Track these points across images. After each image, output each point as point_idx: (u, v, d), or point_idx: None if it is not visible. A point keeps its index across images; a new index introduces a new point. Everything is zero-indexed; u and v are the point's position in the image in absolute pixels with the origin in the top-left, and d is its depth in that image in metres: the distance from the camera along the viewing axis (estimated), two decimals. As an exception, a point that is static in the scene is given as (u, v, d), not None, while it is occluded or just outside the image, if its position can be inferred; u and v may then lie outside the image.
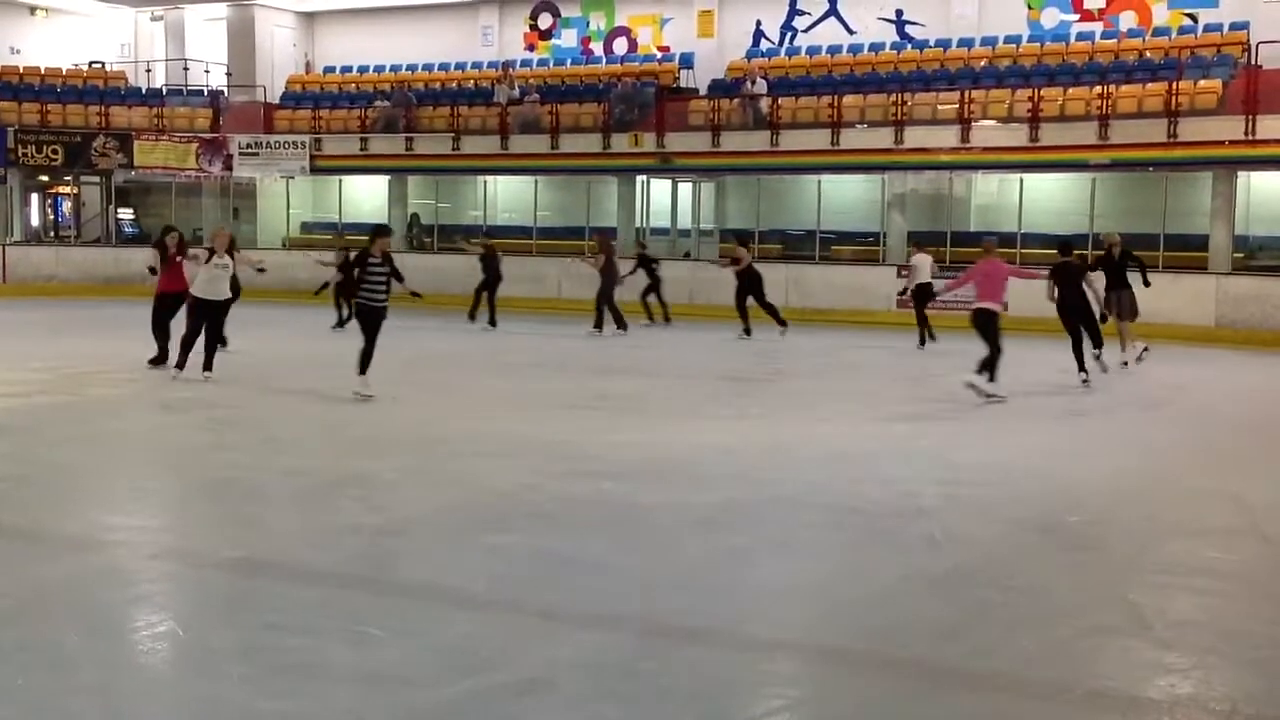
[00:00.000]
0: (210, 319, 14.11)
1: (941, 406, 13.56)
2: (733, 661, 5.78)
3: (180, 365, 13.98)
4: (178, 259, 14.82)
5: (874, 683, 5.54)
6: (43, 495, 9.02)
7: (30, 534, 7.88)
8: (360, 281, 12.97)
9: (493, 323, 21.32)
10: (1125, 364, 16.14)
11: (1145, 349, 16.41)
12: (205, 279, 14.07)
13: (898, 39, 28.30)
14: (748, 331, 20.13)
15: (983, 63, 26.20)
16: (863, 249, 26.19)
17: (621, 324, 20.65)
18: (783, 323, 20.24)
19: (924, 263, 19.35)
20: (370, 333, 12.96)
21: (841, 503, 8.80)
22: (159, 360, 14.60)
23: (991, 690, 5.47)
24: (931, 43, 27.58)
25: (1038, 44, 26.47)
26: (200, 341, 14.04)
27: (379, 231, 13.35)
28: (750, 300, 20.40)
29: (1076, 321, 14.95)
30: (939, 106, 24.60)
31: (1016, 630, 6.20)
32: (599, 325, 20.55)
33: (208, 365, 14.03)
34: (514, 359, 17.66)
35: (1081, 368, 14.76)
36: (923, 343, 19.02)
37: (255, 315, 21.10)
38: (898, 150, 24.42)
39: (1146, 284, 16.74)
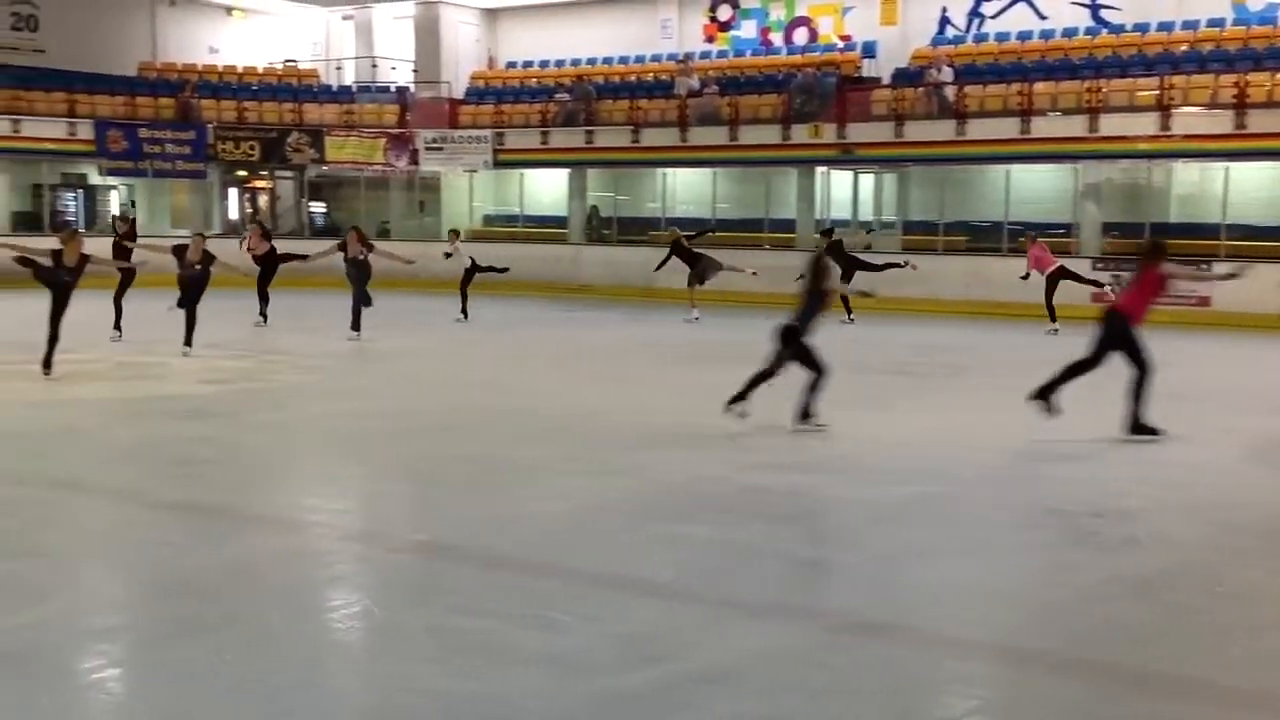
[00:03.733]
0: None
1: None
2: (922, 659, 5.62)
3: None
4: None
5: (1072, 686, 5.31)
6: (240, 476, 9.37)
7: (230, 513, 8.15)
8: None
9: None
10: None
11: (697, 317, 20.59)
12: None
13: (1092, 24, 27.33)
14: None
15: (1183, 47, 25.13)
16: (1053, 241, 25.36)
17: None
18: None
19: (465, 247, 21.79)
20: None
21: (1036, 501, 8.50)
22: None
23: (1195, 698, 5.21)
24: (1128, 27, 26.56)
25: (1243, 27, 25.26)
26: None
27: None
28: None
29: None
30: (1136, 93, 23.69)
31: (1224, 637, 5.89)
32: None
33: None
34: (690, 350, 17.62)
35: None
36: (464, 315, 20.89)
37: (413, 306, 21.52)
38: (1092, 139, 23.61)
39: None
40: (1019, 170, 25.42)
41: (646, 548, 7.31)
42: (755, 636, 5.76)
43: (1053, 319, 19.34)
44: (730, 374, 14.77)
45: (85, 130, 29.59)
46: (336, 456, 10.34)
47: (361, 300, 18.12)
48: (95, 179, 30.91)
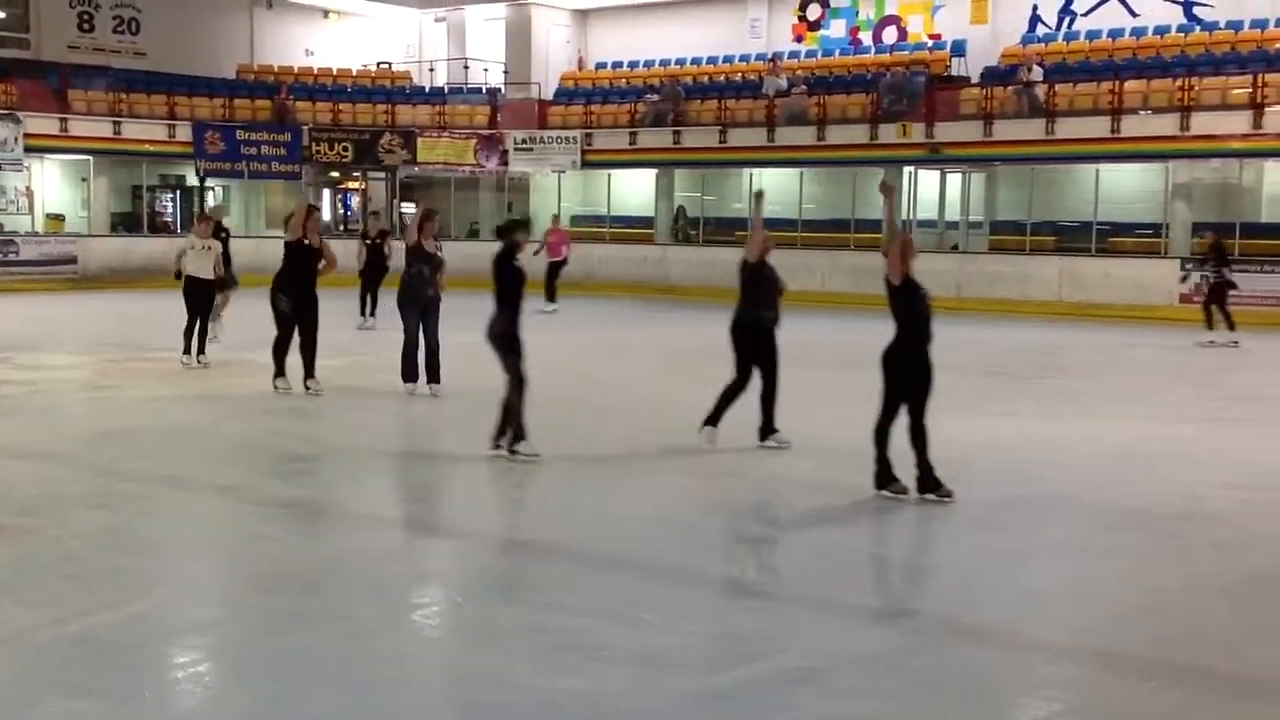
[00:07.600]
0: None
1: (1231, 406, 12.91)
2: (1008, 662, 5.68)
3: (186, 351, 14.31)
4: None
5: (1163, 691, 5.34)
6: (337, 473, 9.64)
7: (326, 509, 8.41)
8: None
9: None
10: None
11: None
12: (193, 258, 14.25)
13: (1185, 21, 26.96)
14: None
15: (1278, 45, 24.69)
16: (1143, 241, 25.11)
17: None
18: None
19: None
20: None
21: (1122, 505, 8.48)
22: None
23: (1287, 705, 5.22)
24: (1222, 24, 26.16)
25: (1342, 23, 24.79)
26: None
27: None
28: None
29: None
30: (1229, 91, 23.36)
31: (1315, 643, 5.87)
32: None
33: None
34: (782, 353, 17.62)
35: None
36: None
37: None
38: (1183, 138, 23.31)
39: None
40: (1108, 170, 25.14)
41: (734, 547, 7.43)
42: (843, 638, 5.85)
43: (551, 299, 22.20)
44: (825, 375, 14.85)
45: (184, 132, 30.26)
46: (431, 454, 10.58)
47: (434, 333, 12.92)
48: (192, 180, 31.62)
